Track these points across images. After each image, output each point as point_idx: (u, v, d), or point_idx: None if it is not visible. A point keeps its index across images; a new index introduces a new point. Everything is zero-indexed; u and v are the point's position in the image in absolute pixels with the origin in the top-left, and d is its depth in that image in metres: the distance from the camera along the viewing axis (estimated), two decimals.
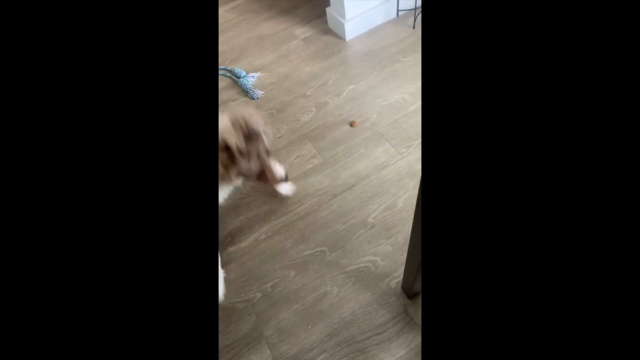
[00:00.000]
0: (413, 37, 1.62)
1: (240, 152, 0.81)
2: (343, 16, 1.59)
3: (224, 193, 0.93)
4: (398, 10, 1.70)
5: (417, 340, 0.90)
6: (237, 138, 0.80)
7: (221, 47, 1.73)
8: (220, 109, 1.49)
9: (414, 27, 1.65)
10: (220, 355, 0.94)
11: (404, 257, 1.01)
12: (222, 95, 1.54)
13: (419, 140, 1.26)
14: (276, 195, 1.18)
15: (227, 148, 0.80)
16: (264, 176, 0.93)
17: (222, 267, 1.08)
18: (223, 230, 1.14)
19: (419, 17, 1.63)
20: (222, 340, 0.96)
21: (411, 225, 0.75)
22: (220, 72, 1.62)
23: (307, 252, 1.08)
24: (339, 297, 0.99)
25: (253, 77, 1.56)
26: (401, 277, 0.99)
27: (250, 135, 0.82)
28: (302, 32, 1.73)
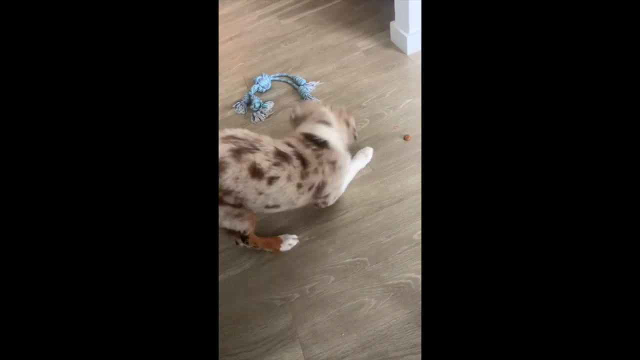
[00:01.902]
0: None
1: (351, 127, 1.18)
2: (407, 30, 1.60)
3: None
4: None
5: None
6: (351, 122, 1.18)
7: (285, 55, 1.82)
8: (279, 114, 1.57)
9: None
10: (255, 346, 0.98)
11: None
12: (282, 101, 1.62)
13: None
14: None
15: (347, 125, 1.16)
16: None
17: (268, 262, 1.12)
18: (270, 229, 1.19)
19: None
20: (259, 333, 1.00)
21: None
22: (282, 78, 1.71)
23: (348, 260, 1.09)
24: (376, 309, 0.98)
25: (312, 85, 1.62)
26: None
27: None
28: (364, 44, 1.76)
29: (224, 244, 1.19)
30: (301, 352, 0.95)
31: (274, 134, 1.49)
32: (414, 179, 1.23)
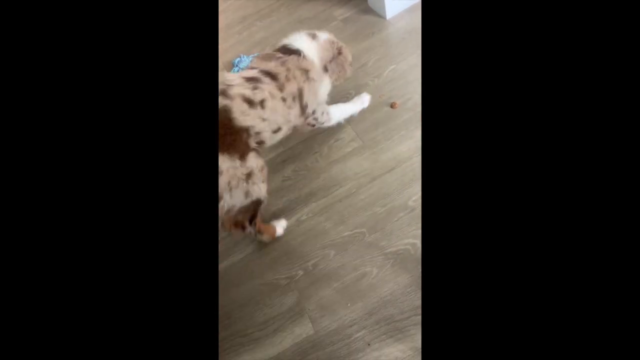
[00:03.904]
0: None
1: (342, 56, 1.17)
2: None
3: (327, 86, 1.18)
4: None
5: None
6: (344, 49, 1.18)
7: (261, 33, 1.76)
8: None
9: None
10: (266, 325, 1.01)
11: None
12: None
13: None
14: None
15: (339, 52, 1.16)
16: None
17: (269, 244, 1.14)
18: (267, 212, 1.20)
19: None
20: (268, 313, 1.03)
21: None
22: None
23: (347, 233, 1.11)
24: (378, 277, 1.01)
25: None
26: None
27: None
28: (341, 12, 1.70)
29: (224, 232, 1.20)
30: (310, 325, 0.99)
31: None
32: (404, 147, 1.23)
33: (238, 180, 0.94)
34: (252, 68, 1.05)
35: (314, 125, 1.18)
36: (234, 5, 1.96)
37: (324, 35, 1.15)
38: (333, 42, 1.17)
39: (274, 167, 1.31)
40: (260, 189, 1.00)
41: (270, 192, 1.24)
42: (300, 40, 1.11)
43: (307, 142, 1.34)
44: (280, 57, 1.06)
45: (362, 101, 1.32)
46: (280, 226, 1.14)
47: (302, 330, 0.98)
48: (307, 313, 1.01)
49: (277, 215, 1.19)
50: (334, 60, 1.15)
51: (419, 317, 0.93)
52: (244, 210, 1.01)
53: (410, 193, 1.13)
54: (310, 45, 1.11)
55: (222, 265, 1.14)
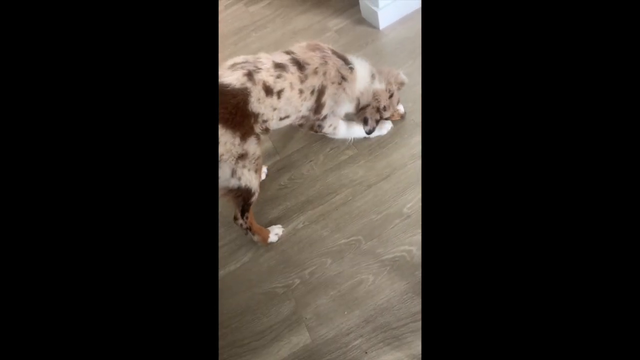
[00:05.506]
0: None
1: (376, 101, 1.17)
2: (376, 5, 1.57)
3: (349, 108, 1.18)
4: None
5: None
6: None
7: (257, 44, 1.78)
8: None
9: None
10: (263, 335, 1.01)
11: None
12: None
13: None
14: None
15: (376, 99, 1.16)
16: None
17: (266, 253, 1.14)
18: (263, 219, 1.20)
19: None
20: (265, 322, 1.03)
21: None
22: None
23: (343, 241, 1.11)
24: (375, 285, 1.02)
25: None
26: None
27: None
28: (336, 23, 1.73)
29: (221, 240, 1.20)
30: (307, 334, 0.98)
31: None
32: (398, 154, 1.25)
33: (229, 156, 0.95)
34: (288, 53, 1.06)
35: (317, 131, 1.18)
36: (230, 15, 1.99)
37: (380, 84, 1.15)
38: (380, 93, 1.15)
39: (270, 175, 1.31)
40: (250, 177, 1.00)
41: (266, 200, 1.25)
42: (361, 63, 1.13)
43: (302, 151, 1.35)
44: (325, 53, 1.07)
45: (381, 128, 1.28)
46: (274, 233, 1.15)
47: (299, 339, 0.98)
48: (304, 322, 1.00)
49: (273, 224, 1.19)
50: (366, 107, 1.15)
51: (416, 324, 0.93)
52: (233, 193, 1.01)
53: (405, 200, 1.14)
54: (365, 74, 1.12)
55: (219, 274, 1.14)
